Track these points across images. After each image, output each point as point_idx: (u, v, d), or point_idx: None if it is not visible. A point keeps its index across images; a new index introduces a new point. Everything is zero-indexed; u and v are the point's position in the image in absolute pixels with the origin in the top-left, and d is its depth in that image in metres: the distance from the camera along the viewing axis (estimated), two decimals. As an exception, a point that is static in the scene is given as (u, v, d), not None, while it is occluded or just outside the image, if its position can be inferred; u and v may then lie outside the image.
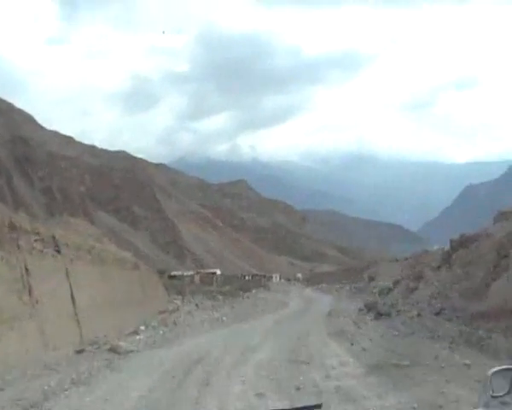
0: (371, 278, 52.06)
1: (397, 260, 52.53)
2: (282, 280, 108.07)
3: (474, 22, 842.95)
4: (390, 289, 39.00)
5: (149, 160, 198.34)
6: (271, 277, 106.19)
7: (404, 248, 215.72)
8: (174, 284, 53.59)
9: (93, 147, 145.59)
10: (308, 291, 69.94)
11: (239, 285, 66.08)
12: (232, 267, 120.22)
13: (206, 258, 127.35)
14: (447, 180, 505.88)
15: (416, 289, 29.90)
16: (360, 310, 30.69)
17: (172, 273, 76.13)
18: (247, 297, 52.50)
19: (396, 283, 39.05)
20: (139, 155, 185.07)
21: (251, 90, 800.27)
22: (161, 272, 55.80)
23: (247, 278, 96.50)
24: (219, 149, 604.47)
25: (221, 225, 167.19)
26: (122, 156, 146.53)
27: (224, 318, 30.22)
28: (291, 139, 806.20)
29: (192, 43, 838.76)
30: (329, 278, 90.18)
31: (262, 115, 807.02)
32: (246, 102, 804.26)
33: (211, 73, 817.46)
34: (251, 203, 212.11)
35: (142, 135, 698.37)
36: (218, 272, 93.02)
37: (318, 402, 3.28)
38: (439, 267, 30.02)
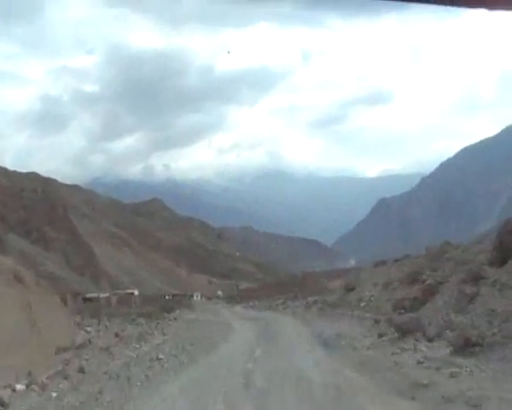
0: (349, 289, 42.13)
1: (384, 264, 44.36)
2: (204, 299, 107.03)
3: (387, 39, 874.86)
4: (416, 301, 24.43)
5: (62, 181, 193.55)
6: (192, 296, 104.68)
7: (320, 263, 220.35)
8: (89, 307, 50.61)
9: (4, 168, 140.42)
10: (242, 310, 60.83)
11: (160, 306, 61.31)
12: (150, 288, 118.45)
13: (122, 279, 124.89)
14: (360, 194, 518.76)
15: (475, 296, 19.28)
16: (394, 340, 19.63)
17: (88, 296, 72.77)
18: (174, 319, 44.09)
19: (422, 293, 24.83)
20: (52, 177, 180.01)
21: (164, 109, 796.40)
22: (75, 295, 54.04)
23: (167, 297, 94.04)
24: (133, 170, 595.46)
25: (137, 244, 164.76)
26: (33, 177, 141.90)
27: (161, 355, 19.89)
28: (205, 158, 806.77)
29: (103, 63, 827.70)
30: (257, 294, 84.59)
31: (175, 134, 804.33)
32: (158, 121, 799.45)
33: (123, 93, 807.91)
34: (166, 222, 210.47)
35: (55, 156, 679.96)
36: (136, 292, 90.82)
37: None
38: (501, 262, 20.76)
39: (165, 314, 48.77)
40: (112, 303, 69.24)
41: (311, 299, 51.15)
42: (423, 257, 35.78)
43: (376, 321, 25.79)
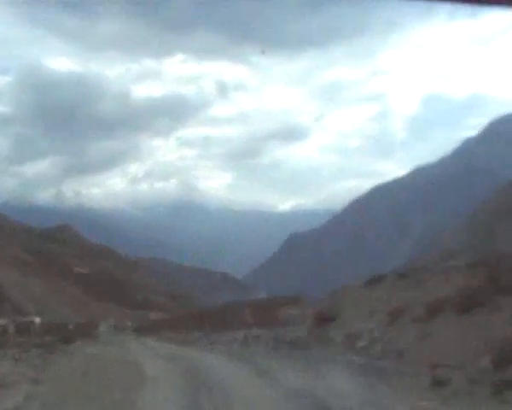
0: (325, 319, 29.90)
1: (379, 282, 31.72)
2: (111, 329, 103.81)
3: (305, 77, 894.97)
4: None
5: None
6: (98, 325, 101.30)
7: (231, 296, 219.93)
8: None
9: None
10: (155, 344, 50.90)
11: (62, 335, 55.79)
12: (57, 316, 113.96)
13: (27, 305, 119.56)
14: (272, 228, 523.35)
15: None
16: None
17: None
18: (71, 353, 36.14)
19: None
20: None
21: (78, 134, 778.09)
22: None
23: (70, 326, 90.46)
24: (44, 195, 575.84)
25: (45, 271, 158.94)
26: None
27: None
28: (118, 186, 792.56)
29: (17, 84, 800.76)
30: (171, 325, 76.95)
31: (88, 161, 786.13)
32: (72, 147, 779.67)
33: (36, 116, 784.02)
34: (77, 250, 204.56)
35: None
36: (38, 320, 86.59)
37: None
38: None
39: (63, 346, 42.33)
40: (9, 331, 65.00)
41: (240, 333, 40.38)
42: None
43: (440, 383, 14.14)
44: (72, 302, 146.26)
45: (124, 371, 23.85)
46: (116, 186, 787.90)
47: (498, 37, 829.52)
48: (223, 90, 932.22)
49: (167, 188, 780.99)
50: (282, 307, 50.72)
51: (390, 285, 29.96)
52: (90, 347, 44.04)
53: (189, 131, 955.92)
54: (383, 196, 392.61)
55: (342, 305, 31.01)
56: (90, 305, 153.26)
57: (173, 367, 24.79)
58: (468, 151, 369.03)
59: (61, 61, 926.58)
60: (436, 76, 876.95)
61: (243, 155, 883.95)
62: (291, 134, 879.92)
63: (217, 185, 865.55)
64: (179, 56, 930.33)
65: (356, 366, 19.35)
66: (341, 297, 33.58)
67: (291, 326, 35.41)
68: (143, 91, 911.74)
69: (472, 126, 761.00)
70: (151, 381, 19.95)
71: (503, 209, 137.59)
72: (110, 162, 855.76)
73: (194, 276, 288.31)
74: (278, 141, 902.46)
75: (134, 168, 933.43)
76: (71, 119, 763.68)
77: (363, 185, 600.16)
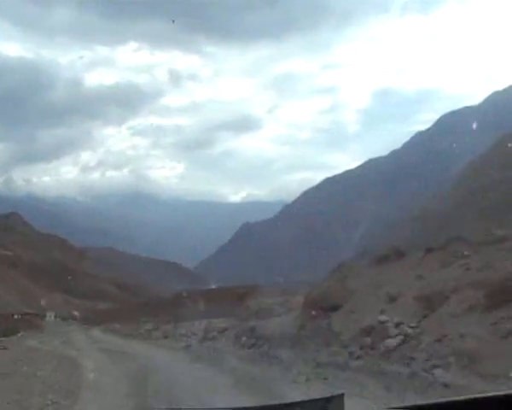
0: (325, 309, 21.98)
1: (401, 257, 24.49)
2: (58, 319, 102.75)
3: (258, 67, 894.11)
4: None
5: None
6: (45, 315, 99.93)
7: (182, 286, 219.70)
8: None
9: None
10: (101, 335, 49.56)
11: (5, 326, 53.64)
12: (3, 306, 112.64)
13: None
14: (223, 219, 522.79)
15: None
16: None
17: None
18: (4, 348, 33.23)
19: None
20: None
21: (29, 121, 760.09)
22: None
23: (16, 316, 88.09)
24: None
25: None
26: None
27: None
28: (68, 174, 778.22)
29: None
30: (120, 315, 72.11)
31: (39, 148, 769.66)
32: (22, 134, 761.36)
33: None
34: (25, 238, 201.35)
35: None
36: None
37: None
38: None
39: (2, 338, 39.73)
40: None
41: (199, 325, 34.65)
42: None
43: None
44: (19, 292, 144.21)
45: (59, 372, 19.87)
46: (67, 175, 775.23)
47: (449, 33, 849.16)
48: (176, 79, 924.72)
49: (119, 177, 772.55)
50: (245, 296, 43.82)
51: (414, 263, 22.34)
52: (32, 339, 41.82)
53: (142, 121, 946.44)
54: (334, 188, 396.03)
55: (347, 289, 22.83)
56: (38, 294, 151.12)
57: (118, 367, 20.89)
58: (419, 145, 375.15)
59: (13, 47, 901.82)
60: (388, 70, 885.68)
61: (195, 146, 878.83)
62: (244, 125, 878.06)
63: (169, 175, 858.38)
64: (132, 44, 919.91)
65: (417, 384, 12.10)
66: (343, 279, 24.94)
67: (271, 318, 26.82)
68: (96, 79, 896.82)
69: (423, 121, 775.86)
70: (90, 384, 16.52)
71: (454, 202, 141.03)
72: (61, 150, 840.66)
73: (144, 266, 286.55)
74: (231, 132, 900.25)
75: (85, 157, 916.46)
76: (21, 105, 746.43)
77: (315, 177, 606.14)
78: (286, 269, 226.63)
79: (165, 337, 34.37)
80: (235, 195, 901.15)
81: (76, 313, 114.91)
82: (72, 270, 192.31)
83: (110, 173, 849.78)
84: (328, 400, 2.92)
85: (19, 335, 47.21)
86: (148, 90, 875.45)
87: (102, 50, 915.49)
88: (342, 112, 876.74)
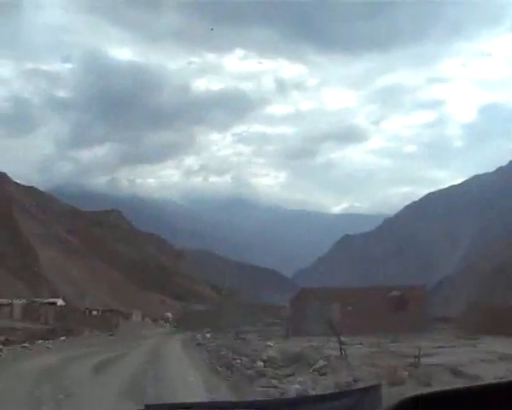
0: None
1: None
2: (147, 320, 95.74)
3: (365, 78, 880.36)
4: None
5: (18, 180, 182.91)
6: (131, 314, 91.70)
7: (279, 294, 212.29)
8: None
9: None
10: (173, 349, 36.92)
11: (76, 323, 47.85)
12: (94, 301, 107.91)
13: (64, 288, 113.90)
14: (323, 230, 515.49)
15: None
16: None
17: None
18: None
19: None
20: (17, 180, 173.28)
21: (135, 123, 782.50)
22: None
23: (94, 313, 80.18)
24: (98, 181, 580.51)
25: (87, 254, 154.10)
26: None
27: None
28: (171, 177, 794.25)
29: (78, 70, 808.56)
30: (213, 320, 62.98)
31: (144, 151, 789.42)
32: (129, 135, 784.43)
33: (95, 103, 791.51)
34: (124, 235, 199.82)
35: (21, 159, 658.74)
36: (60, 302, 79.17)
37: None
38: None
39: (40, 342, 32.02)
40: (13, 315, 54.60)
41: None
42: None
43: None
44: (113, 288, 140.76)
45: None
46: (170, 178, 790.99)
47: None
48: (281, 87, 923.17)
49: (221, 183, 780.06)
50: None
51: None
52: (69, 348, 31.89)
53: (246, 128, 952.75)
54: (437, 203, 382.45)
55: None
56: (133, 293, 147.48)
57: None
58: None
59: (123, 51, 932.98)
60: (496, 85, 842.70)
61: (298, 155, 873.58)
62: (347, 136, 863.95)
63: (270, 183, 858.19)
64: (239, 52, 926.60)
65: None
66: None
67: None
68: (203, 85, 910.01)
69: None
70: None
71: None
72: (166, 154, 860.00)
73: (240, 271, 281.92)
74: (334, 142, 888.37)
75: (189, 161, 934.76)
76: (129, 107, 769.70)
77: (418, 192, 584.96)
78: (384, 283, 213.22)
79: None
80: (337, 206, 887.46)
81: (169, 314, 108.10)
82: (169, 270, 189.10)
83: (212, 178, 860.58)
84: (363, 391, 2.77)
85: (83, 335, 39.71)
86: (253, 97, 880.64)
87: (210, 57, 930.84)
88: (447, 126, 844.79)
